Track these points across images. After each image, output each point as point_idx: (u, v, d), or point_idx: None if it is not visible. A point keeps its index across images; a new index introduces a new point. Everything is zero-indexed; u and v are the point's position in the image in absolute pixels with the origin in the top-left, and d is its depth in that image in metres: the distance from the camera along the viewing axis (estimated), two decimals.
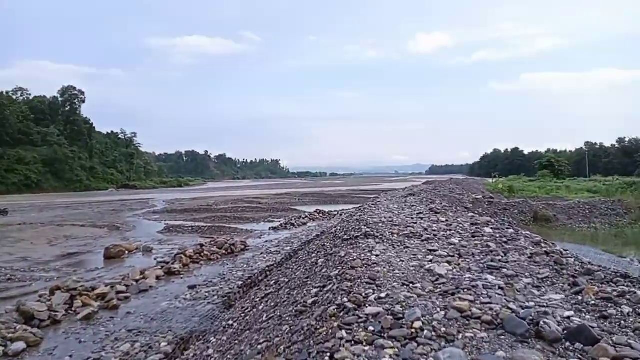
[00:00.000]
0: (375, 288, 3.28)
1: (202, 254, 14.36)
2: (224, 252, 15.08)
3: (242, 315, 5.95)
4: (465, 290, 3.22)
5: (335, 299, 3.19)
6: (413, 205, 10.89)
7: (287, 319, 3.63)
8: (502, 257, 4.47)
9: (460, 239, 5.66)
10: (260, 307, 5.52)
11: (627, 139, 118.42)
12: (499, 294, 3.14)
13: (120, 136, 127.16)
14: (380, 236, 5.72)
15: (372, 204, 11.93)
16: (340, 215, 26.35)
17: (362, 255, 4.51)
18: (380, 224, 6.85)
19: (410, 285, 3.43)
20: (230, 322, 6.01)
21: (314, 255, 6.86)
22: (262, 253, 13.80)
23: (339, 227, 8.54)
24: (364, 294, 3.13)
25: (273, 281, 6.98)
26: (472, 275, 3.72)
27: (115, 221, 26.98)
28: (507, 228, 6.44)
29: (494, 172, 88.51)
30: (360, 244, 5.25)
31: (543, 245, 5.06)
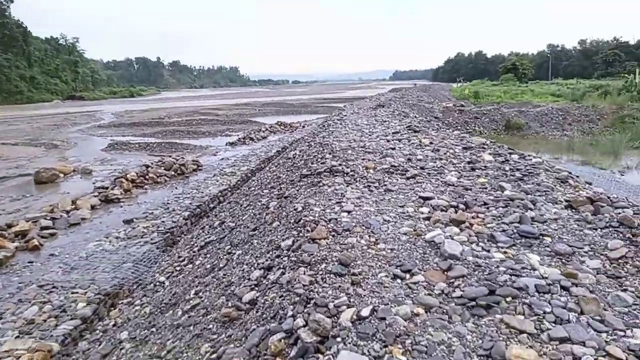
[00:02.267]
0: (351, 289, 2.00)
1: (147, 177, 12.77)
2: (172, 173, 13.52)
3: (177, 270, 4.68)
4: (510, 299, 1.95)
5: (284, 311, 1.91)
6: (385, 121, 9.42)
7: (211, 327, 2.35)
8: (533, 211, 3.21)
9: (458, 174, 4.37)
10: (197, 264, 4.26)
11: (588, 41, 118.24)
12: (570, 309, 1.90)
13: (60, 42, 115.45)
14: (352, 172, 4.36)
15: (338, 119, 10.41)
16: (303, 127, 24.82)
17: (328, 210, 3.18)
18: (350, 151, 5.46)
19: (407, 278, 2.16)
20: (162, 279, 4.74)
21: (266, 192, 5.49)
22: (215, 175, 12.36)
23: (298, 152, 7.12)
24: (332, 306, 1.85)
25: (218, 221, 5.67)
26: (504, 254, 2.46)
27: (54, 138, 24.47)
28: (509, 152, 5.17)
29: (459, 77, 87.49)
30: (325, 187, 3.90)
31: (573, 182, 3.86)
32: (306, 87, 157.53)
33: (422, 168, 4.76)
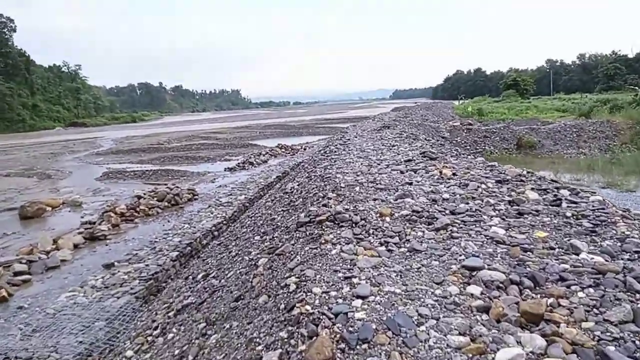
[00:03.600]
0: None
1: (138, 209, 11.91)
2: (166, 204, 12.67)
3: (147, 342, 3.77)
4: None
5: None
6: (394, 145, 8.49)
7: None
8: None
9: (502, 221, 3.41)
10: (168, 338, 3.35)
11: (587, 55, 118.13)
12: None
13: (63, 69, 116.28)
14: (362, 222, 3.44)
15: (341, 144, 9.52)
16: (305, 149, 24.05)
17: (333, 293, 2.26)
18: (357, 188, 4.54)
19: None
20: (129, 355, 3.81)
21: (257, 238, 4.58)
22: (210, 205, 11.49)
23: (296, 185, 6.22)
24: None
25: (202, 272, 4.75)
26: None
27: (49, 167, 23.78)
28: (555, 186, 4.22)
29: (460, 95, 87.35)
30: (328, 245, 3.00)
31: None
32: (307, 108, 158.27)
33: (452, 213, 3.76)
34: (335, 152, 8.22)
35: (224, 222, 10.00)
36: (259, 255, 3.63)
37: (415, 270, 2.61)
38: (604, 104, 29.08)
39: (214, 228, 9.49)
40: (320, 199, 4.17)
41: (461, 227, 3.33)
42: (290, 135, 37.07)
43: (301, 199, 4.95)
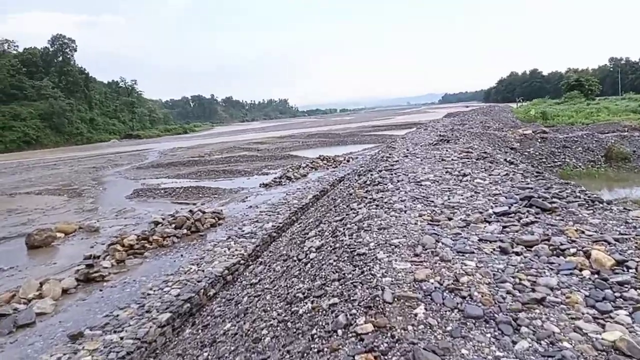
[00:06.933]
0: None
1: (151, 239, 10.26)
2: (184, 231, 10.96)
3: None
4: None
5: None
6: (465, 175, 5.76)
7: None
8: None
9: None
10: None
11: None
12: None
13: (120, 85, 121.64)
14: None
15: (386, 169, 7.02)
16: (348, 161, 21.97)
17: None
18: (419, 309, 1.79)
19: None
20: None
21: (262, 317, 2.46)
22: (229, 237, 9.64)
23: (314, 250, 4.02)
24: None
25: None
26: None
27: (86, 183, 23.11)
28: None
29: (518, 97, 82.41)
30: None
31: None
32: (354, 115, 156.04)
33: None
34: (378, 184, 5.74)
35: (241, 261, 8.08)
36: None
37: None
38: None
39: (226, 272, 7.57)
40: (340, 332, 2.01)
41: None
42: (334, 144, 35.14)
43: (310, 304, 2.63)
